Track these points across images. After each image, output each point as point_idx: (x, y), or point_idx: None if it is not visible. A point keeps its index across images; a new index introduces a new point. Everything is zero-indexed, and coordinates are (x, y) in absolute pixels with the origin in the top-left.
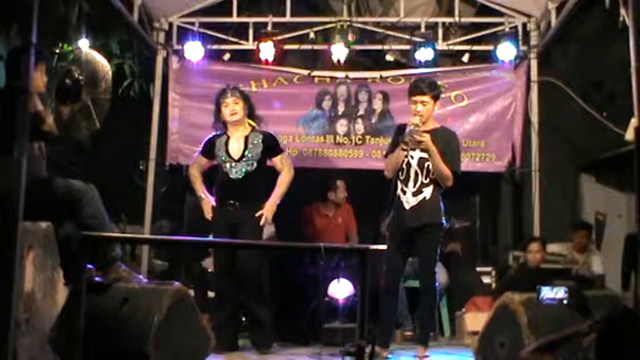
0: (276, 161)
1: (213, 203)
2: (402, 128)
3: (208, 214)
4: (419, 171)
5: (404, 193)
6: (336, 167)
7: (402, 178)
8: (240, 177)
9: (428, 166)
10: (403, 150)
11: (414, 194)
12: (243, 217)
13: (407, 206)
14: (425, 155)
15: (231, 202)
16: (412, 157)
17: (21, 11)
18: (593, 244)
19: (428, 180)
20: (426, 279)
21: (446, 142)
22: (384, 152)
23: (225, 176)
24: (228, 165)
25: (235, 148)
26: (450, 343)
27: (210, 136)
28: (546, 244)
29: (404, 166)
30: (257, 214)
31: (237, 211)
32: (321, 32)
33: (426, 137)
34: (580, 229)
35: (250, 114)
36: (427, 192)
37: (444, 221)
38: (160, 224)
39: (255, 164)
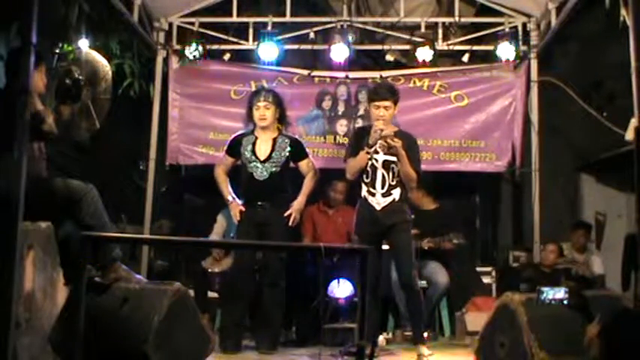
0: (302, 165)
1: (242, 207)
2: (362, 131)
3: (236, 217)
4: (385, 173)
5: (372, 195)
6: (336, 167)
7: (367, 180)
8: (265, 178)
9: (393, 167)
10: (367, 154)
11: (384, 195)
12: (271, 217)
13: (378, 207)
14: (390, 158)
15: (259, 203)
16: (376, 159)
17: (21, 11)
18: (593, 243)
19: (395, 182)
20: (405, 275)
21: (408, 144)
22: (344, 156)
23: (250, 177)
24: (253, 165)
25: (263, 149)
26: (450, 343)
27: (237, 134)
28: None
29: (368, 168)
30: (285, 214)
31: (264, 212)
32: (321, 32)
33: (399, 142)
34: (579, 229)
35: (281, 117)
36: (395, 193)
37: (412, 217)
38: (159, 224)
39: (280, 167)
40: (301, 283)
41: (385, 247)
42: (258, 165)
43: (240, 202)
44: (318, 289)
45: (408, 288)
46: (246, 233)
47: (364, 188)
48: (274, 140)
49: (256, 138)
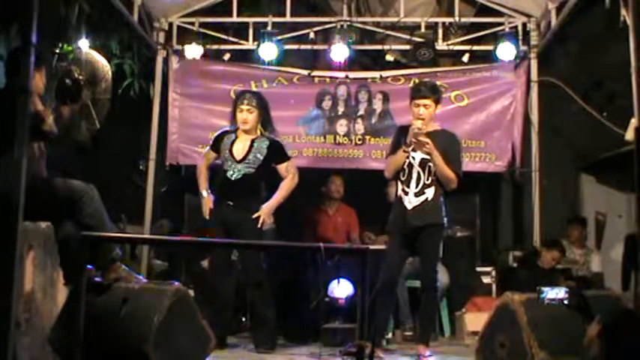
0: (282, 168)
1: (211, 205)
2: (403, 130)
3: (206, 213)
4: (421, 172)
5: (406, 193)
6: (336, 167)
7: (403, 178)
8: (238, 178)
9: (430, 166)
10: (404, 152)
11: (417, 195)
12: (240, 218)
13: (409, 206)
14: (427, 156)
15: (228, 202)
16: (414, 157)
17: (21, 11)
18: (590, 241)
19: (430, 181)
20: (428, 277)
21: (447, 144)
22: (385, 154)
23: (224, 175)
24: (228, 164)
25: (239, 149)
26: (450, 343)
27: (222, 131)
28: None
29: (405, 167)
30: (254, 216)
31: (233, 212)
32: (321, 32)
33: (429, 141)
34: (573, 223)
35: (264, 121)
36: (429, 193)
37: (445, 221)
38: (159, 224)
39: (254, 168)
40: (301, 282)
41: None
42: (233, 165)
43: (212, 198)
44: (318, 289)
45: (429, 290)
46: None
47: (399, 186)
48: (252, 142)
49: (236, 137)
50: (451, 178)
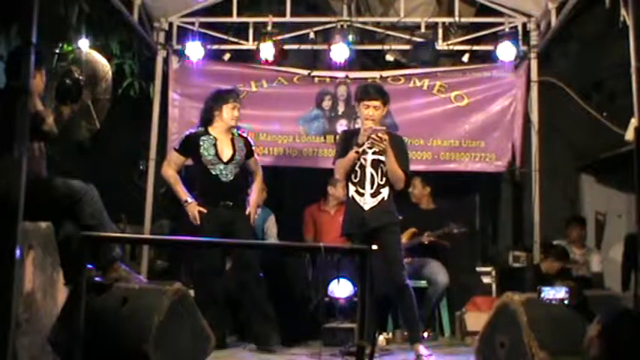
0: (252, 163)
1: (200, 208)
2: (348, 134)
3: (196, 219)
4: (374, 172)
5: (360, 195)
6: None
7: (355, 180)
8: (232, 179)
9: (382, 167)
10: (357, 153)
11: (373, 195)
12: (235, 215)
13: (366, 207)
14: (378, 157)
15: (225, 203)
16: (365, 159)
17: (21, 11)
18: (589, 241)
19: (383, 181)
20: (397, 276)
21: (396, 144)
22: (333, 158)
23: (215, 178)
24: (217, 167)
25: (225, 150)
26: (450, 343)
27: (190, 133)
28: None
29: (357, 168)
30: (246, 213)
31: (229, 212)
32: (321, 32)
33: (387, 137)
34: (573, 223)
35: None
36: (384, 193)
37: (399, 217)
38: (159, 224)
39: (240, 167)
40: (301, 282)
41: (374, 247)
42: (222, 166)
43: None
44: (318, 289)
45: (400, 289)
46: (212, 234)
47: (352, 188)
48: (232, 141)
49: (216, 139)
50: (400, 177)
